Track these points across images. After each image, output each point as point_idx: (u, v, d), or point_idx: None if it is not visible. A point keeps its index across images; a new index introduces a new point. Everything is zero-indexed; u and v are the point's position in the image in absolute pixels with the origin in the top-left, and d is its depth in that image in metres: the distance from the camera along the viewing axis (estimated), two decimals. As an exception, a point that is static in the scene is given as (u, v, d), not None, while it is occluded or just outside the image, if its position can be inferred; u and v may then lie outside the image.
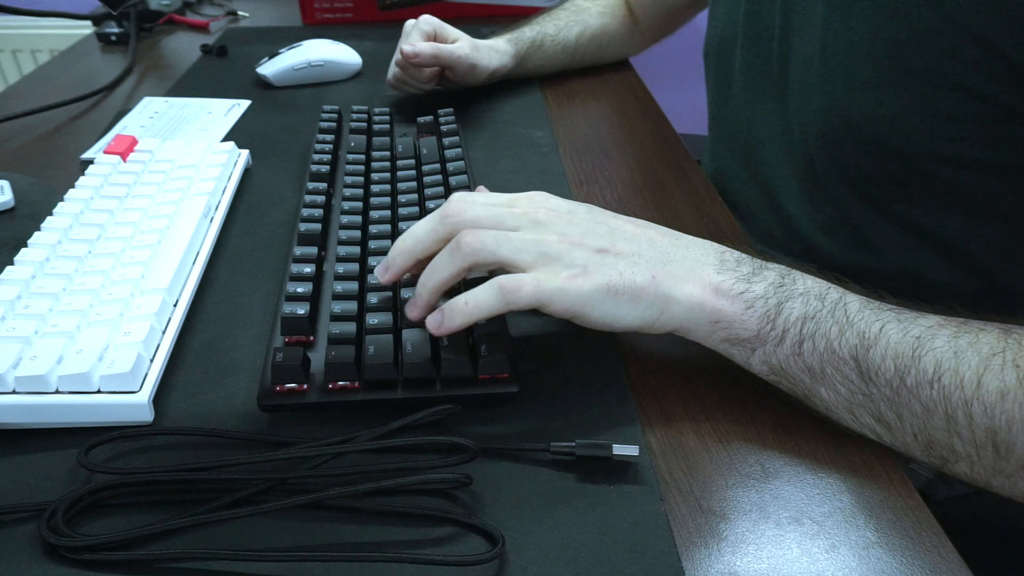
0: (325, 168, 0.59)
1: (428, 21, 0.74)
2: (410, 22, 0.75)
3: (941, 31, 0.48)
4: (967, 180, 0.52)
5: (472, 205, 0.41)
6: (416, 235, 0.41)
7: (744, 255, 0.41)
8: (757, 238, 0.68)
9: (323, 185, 0.56)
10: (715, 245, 0.42)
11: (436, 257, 0.40)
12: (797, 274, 0.40)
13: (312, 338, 0.43)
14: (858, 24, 0.52)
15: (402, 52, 0.71)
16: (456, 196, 0.42)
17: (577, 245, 0.39)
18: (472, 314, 0.38)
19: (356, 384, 0.40)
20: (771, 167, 0.66)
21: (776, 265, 0.41)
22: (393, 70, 0.75)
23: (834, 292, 0.39)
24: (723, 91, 0.71)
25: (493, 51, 0.77)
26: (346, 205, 0.54)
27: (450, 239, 0.40)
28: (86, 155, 0.66)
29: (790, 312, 0.38)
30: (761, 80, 0.64)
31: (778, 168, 0.65)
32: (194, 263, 0.49)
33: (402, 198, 0.55)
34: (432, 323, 0.39)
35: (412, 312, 0.41)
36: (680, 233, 0.42)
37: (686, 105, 1.22)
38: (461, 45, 0.74)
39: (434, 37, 0.74)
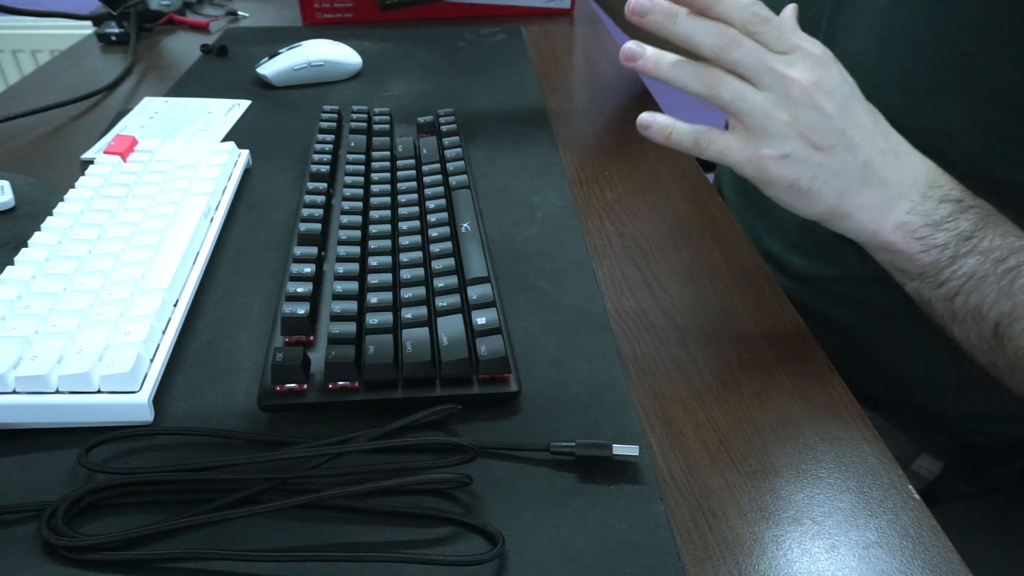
0: (325, 168, 0.59)
1: None
2: None
3: (1019, 47, 0.45)
4: (1015, 207, 0.49)
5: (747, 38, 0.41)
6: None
7: (952, 194, 0.42)
8: (775, 236, 0.67)
9: (323, 185, 0.56)
10: (929, 173, 0.43)
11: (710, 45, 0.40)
12: (992, 228, 0.41)
13: (312, 338, 0.43)
14: (923, 28, 0.49)
15: None
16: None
17: (798, 135, 0.40)
18: (667, 143, 0.42)
19: (356, 384, 0.40)
20: None
21: (977, 210, 0.42)
22: None
23: (1013, 259, 0.40)
24: None
25: None
26: (346, 205, 0.54)
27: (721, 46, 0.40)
28: (86, 155, 0.66)
29: (960, 267, 0.40)
30: None
31: None
32: (194, 263, 0.49)
33: (402, 198, 0.55)
34: (642, 121, 0.42)
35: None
36: (906, 147, 0.43)
37: (687, 105, 1.22)
38: None
39: None
